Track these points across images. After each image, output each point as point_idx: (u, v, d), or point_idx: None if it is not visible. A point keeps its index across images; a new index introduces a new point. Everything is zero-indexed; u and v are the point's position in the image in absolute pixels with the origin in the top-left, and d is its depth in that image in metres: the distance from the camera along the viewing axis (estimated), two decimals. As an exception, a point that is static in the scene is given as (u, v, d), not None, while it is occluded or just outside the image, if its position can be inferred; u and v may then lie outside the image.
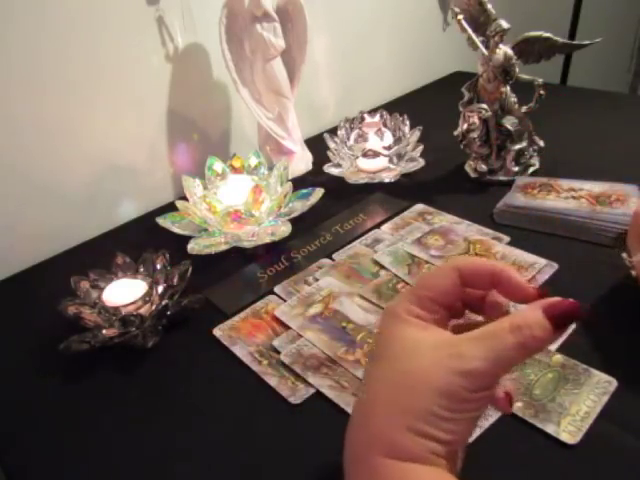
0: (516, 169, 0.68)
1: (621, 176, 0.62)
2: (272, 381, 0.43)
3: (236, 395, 0.43)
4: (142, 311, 0.48)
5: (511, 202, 0.60)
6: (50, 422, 0.42)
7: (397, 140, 0.73)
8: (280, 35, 0.67)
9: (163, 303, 0.50)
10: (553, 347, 0.42)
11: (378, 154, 0.71)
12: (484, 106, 0.65)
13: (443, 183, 0.70)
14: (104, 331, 0.47)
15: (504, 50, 0.63)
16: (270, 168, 0.66)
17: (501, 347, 0.25)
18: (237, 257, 0.59)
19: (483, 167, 0.69)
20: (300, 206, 0.64)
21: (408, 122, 0.73)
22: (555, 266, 0.52)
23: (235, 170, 0.66)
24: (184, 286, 0.52)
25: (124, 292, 0.49)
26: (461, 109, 0.68)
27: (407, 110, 0.75)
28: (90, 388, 0.45)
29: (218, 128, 0.80)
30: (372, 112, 0.76)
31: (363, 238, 0.60)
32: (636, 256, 0.44)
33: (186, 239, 0.60)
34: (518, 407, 0.38)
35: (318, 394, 0.41)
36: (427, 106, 0.95)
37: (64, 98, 0.62)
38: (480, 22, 0.65)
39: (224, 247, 0.59)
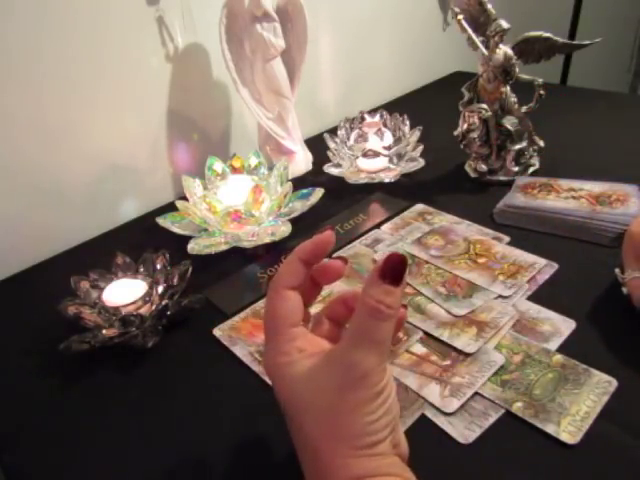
0: (516, 169, 0.68)
1: (621, 176, 0.62)
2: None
3: (236, 395, 0.43)
4: (142, 311, 0.48)
5: (511, 202, 0.60)
6: (50, 422, 0.42)
7: (397, 140, 0.73)
8: (280, 35, 0.67)
9: (163, 303, 0.50)
10: (553, 347, 0.42)
11: (378, 154, 0.71)
12: (484, 106, 0.65)
13: (443, 183, 0.70)
14: (104, 331, 0.47)
15: (504, 50, 0.63)
16: (270, 168, 0.66)
17: (371, 332, 0.26)
18: (237, 257, 0.59)
19: (483, 167, 0.69)
20: (300, 206, 0.64)
21: (408, 122, 0.73)
22: (555, 266, 0.52)
23: (235, 170, 0.66)
24: (184, 286, 0.52)
25: (124, 292, 0.49)
26: (461, 109, 0.68)
27: (407, 110, 0.75)
28: (90, 388, 0.45)
29: (218, 128, 0.80)
30: (372, 112, 0.76)
31: (363, 238, 0.60)
32: (628, 274, 0.44)
33: (186, 239, 0.60)
34: (518, 407, 0.38)
35: (318, 394, 0.41)
36: (427, 106, 0.95)
37: (64, 98, 0.62)
38: (480, 22, 0.65)
39: (224, 247, 0.59)
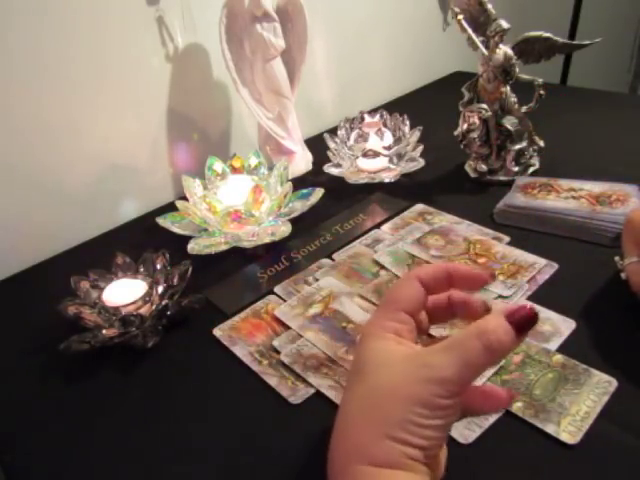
0: (516, 169, 0.68)
1: (621, 176, 0.62)
2: (272, 381, 0.43)
3: (236, 395, 0.43)
4: (142, 311, 0.48)
5: (511, 202, 0.60)
6: (50, 422, 0.42)
7: (397, 140, 0.73)
8: (280, 35, 0.67)
9: (163, 303, 0.50)
10: (553, 347, 0.42)
11: (378, 154, 0.71)
12: (484, 106, 0.65)
13: (443, 183, 0.70)
14: (104, 331, 0.47)
15: (504, 50, 0.63)
16: (270, 168, 0.66)
17: (468, 353, 0.26)
18: (237, 257, 0.59)
19: (483, 167, 0.69)
20: (300, 206, 0.64)
21: (408, 122, 0.73)
22: (555, 266, 0.52)
23: (235, 170, 0.66)
24: (184, 286, 0.52)
25: (124, 292, 0.49)
26: (461, 109, 0.68)
27: (407, 110, 0.75)
28: (90, 388, 0.45)
29: (218, 128, 0.80)
30: (372, 112, 0.76)
31: (363, 238, 0.60)
32: (628, 259, 0.44)
33: (186, 239, 0.60)
34: (518, 407, 0.38)
35: (318, 394, 0.41)
36: (427, 106, 0.95)
37: (64, 98, 0.62)
38: (480, 22, 0.65)
39: (224, 247, 0.59)
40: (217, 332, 0.49)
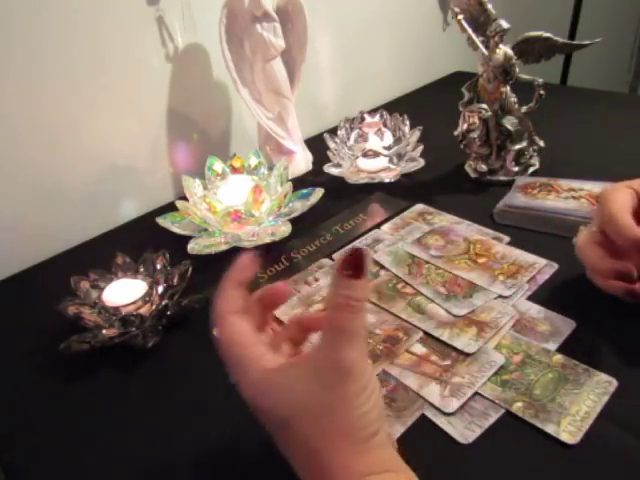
0: (516, 169, 0.68)
1: (621, 176, 0.61)
2: (272, 381, 0.43)
3: (236, 395, 0.43)
4: (142, 311, 0.48)
5: (511, 202, 0.60)
6: (50, 422, 0.42)
7: (397, 140, 0.73)
8: (280, 35, 0.67)
9: (163, 303, 0.50)
10: (553, 347, 0.42)
11: (378, 154, 0.71)
12: (484, 106, 0.65)
13: (443, 183, 0.70)
14: (104, 331, 0.47)
15: (504, 50, 0.63)
16: (270, 168, 0.66)
17: (343, 327, 0.27)
18: (237, 257, 0.59)
19: (483, 167, 0.69)
20: (300, 206, 0.64)
21: (408, 122, 0.73)
22: (555, 266, 0.52)
23: (235, 170, 0.66)
24: (184, 286, 0.52)
25: (124, 292, 0.49)
26: (461, 109, 0.68)
27: (407, 110, 0.75)
28: (90, 388, 0.45)
29: (218, 128, 0.80)
30: (372, 112, 0.76)
31: (363, 238, 0.60)
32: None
33: (186, 239, 0.60)
34: (518, 407, 0.38)
35: (318, 394, 0.41)
36: (427, 106, 0.95)
37: (64, 98, 0.62)
38: (480, 22, 0.65)
39: (224, 247, 0.59)
40: (217, 332, 0.49)
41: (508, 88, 0.66)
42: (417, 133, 0.72)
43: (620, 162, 0.69)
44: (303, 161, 0.76)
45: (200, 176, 0.65)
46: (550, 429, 0.36)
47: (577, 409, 0.37)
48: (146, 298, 0.49)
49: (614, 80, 1.79)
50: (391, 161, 0.72)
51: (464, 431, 0.37)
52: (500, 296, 0.48)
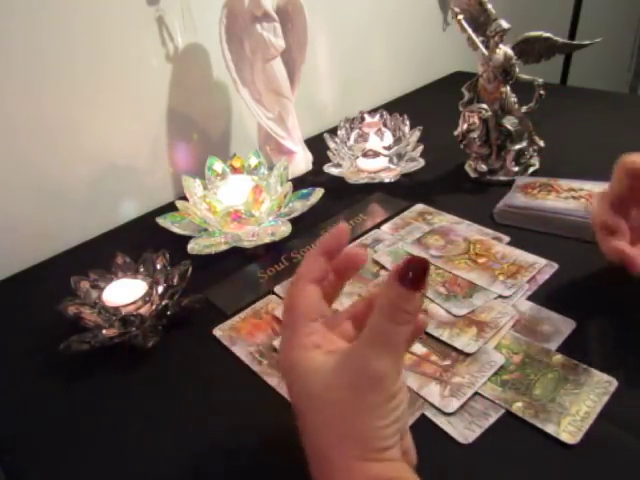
0: (516, 169, 0.68)
1: (621, 176, 0.61)
2: (272, 381, 0.43)
3: (236, 395, 0.43)
4: (142, 311, 0.48)
5: (511, 202, 0.60)
6: (50, 422, 0.42)
7: (397, 140, 0.73)
8: (280, 35, 0.67)
9: (163, 303, 0.50)
10: (553, 347, 0.42)
11: (378, 154, 0.71)
12: (484, 106, 0.65)
13: (443, 183, 0.70)
14: (104, 331, 0.47)
15: (504, 50, 0.63)
16: (270, 168, 0.66)
17: (383, 333, 0.26)
18: (237, 257, 0.59)
19: (483, 167, 0.69)
20: (300, 206, 0.64)
21: (408, 122, 0.73)
22: (555, 266, 0.52)
23: (235, 170, 0.66)
24: (184, 286, 0.52)
25: (124, 292, 0.49)
26: (461, 109, 0.68)
27: (407, 110, 0.75)
28: (90, 388, 0.45)
29: (218, 128, 0.80)
30: (372, 112, 0.76)
31: (363, 238, 0.60)
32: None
33: (186, 239, 0.60)
34: (518, 407, 0.38)
35: (318, 394, 0.41)
36: (427, 106, 0.95)
37: (64, 98, 0.62)
38: (480, 22, 0.65)
39: (224, 247, 0.59)
40: (217, 332, 0.49)
41: (508, 88, 0.66)
42: (417, 133, 0.72)
43: (620, 162, 0.69)
44: (303, 161, 0.76)
45: (200, 176, 0.65)
46: (550, 429, 0.36)
47: (577, 409, 0.37)
48: (146, 298, 0.49)
49: (614, 80, 1.79)
50: (391, 161, 0.72)
51: (464, 431, 0.37)
52: (500, 296, 0.48)
